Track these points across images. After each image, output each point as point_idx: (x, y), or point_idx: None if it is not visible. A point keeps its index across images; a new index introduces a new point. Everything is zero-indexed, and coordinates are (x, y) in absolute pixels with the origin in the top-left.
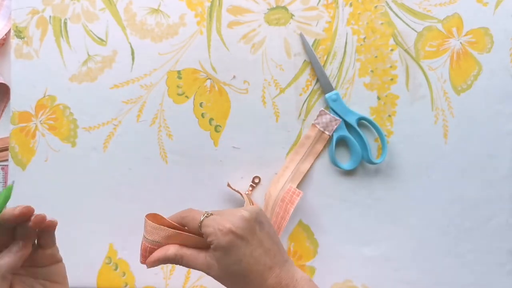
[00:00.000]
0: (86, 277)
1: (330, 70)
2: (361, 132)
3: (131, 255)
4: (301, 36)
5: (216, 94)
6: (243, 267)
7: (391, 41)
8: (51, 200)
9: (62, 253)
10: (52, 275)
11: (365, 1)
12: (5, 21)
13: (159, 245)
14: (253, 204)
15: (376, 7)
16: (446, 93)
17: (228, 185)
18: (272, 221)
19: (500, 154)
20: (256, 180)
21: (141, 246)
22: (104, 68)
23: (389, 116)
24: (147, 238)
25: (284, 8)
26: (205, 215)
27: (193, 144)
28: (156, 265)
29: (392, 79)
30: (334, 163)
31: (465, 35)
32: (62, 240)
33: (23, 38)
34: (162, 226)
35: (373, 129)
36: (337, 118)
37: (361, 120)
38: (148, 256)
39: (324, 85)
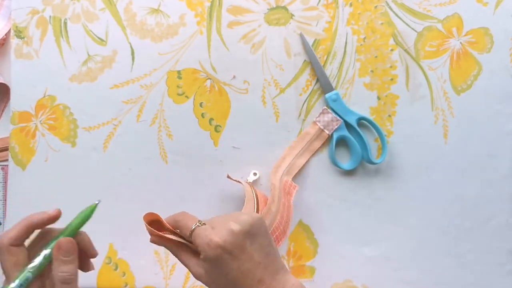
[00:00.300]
0: (86, 277)
1: (330, 70)
2: (361, 132)
3: (131, 255)
4: (301, 36)
5: (216, 94)
6: (230, 281)
7: (391, 41)
8: (51, 200)
9: None
10: None
11: (365, 1)
12: (5, 21)
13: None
14: (255, 192)
15: (376, 7)
16: (446, 93)
17: (228, 176)
18: (281, 208)
19: (500, 154)
20: (255, 176)
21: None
22: (104, 68)
23: (389, 116)
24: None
25: (284, 8)
26: (197, 224)
27: (193, 144)
28: (157, 244)
29: (392, 79)
30: (334, 163)
31: (465, 35)
32: None
33: (23, 38)
34: (154, 231)
35: (373, 129)
36: (339, 118)
37: (361, 120)
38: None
39: (324, 85)
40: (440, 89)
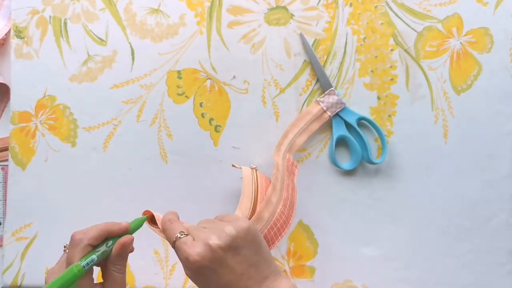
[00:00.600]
0: None
1: (330, 70)
2: (361, 132)
3: (131, 255)
4: (301, 36)
5: (216, 94)
6: None
7: (391, 41)
8: (51, 200)
9: (62, 253)
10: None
11: (365, 1)
12: (5, 21)
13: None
14: (256, 179)
15: (376, 7)
16: (446, 93)
17: (233, 165)
18: (284, 194)
19: (500, 154)
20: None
21: None
22: (104, 68)
23: (389, 116)
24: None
25: (284, 8)
26: (178, 235)
27: (193, 144)
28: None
29: (392, 79)
30: (334, 163)
31: (465, 35)
32: (62, 240)
33: (23, 38)
34: (152, 227)
35: (373, 129)
36: (343, 101)
37: (361, 120)
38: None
39: (324, 85)
40: (440, 89)
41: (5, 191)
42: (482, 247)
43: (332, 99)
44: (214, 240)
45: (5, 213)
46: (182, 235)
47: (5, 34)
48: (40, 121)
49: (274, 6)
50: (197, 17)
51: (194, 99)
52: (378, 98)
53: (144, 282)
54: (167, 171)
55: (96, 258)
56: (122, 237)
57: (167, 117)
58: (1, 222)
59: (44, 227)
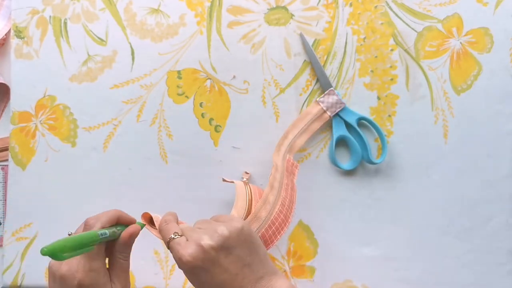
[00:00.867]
0: None
1: (330, 70)
2: (361, 132)
3: (131, 255)
4: (301, 36)
5: (216, 94)
6: None
7: (391, 41)
8: (51, 200)
9: None
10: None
11: (365, 1)
12: (5, 21)
13: None
14: (249, 189)
15: (376, 7)
16: (446, 93)
17: (223, 179)
18: (283, 194)
19: (500, 154)
20: (247, 175)
21: None
22: (104, 68)
23: (389, 116)
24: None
25: (284, 8)
26: (172, 236)
27: (193, 144)
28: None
29: (392, 79)
30: (334, 163)
31: (465, 35)
32: None
33: (23, 38)
34: (150, 229)
35: (373, 129)
36: (343, 101)
37: (361, 120)
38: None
39: (324, 85)
40: (440, 89)
41: (5, 191)
42: (482, 247)
43: (332, 99)
44: (206, 241)
45: (5, 213)
46: (176, 235)
47: (5, 34)
48: (40, 121)
49: (274, 6)
50: (197, 17)
51: (194, 99)
52: (378, 98)
53: (144, 282)
54: (167, 171)
55: (107, 234)
56: (131, 226)
57: (167, 117)
58: (1, 222)
59: (44, 227)
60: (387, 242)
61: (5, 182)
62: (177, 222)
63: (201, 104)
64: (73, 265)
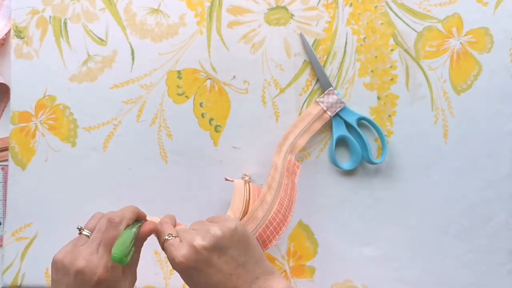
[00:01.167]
0: None
1: (330, 70)
2: (361, 132)
3: None
4: (301, 36)
5: (216, 94)
6: None
7: (391, 41)
8: (51, 200)
9: None
10: None
11: (365, 1)
12: (5, 21)
13: None
14: (248, 188)
15: (376, 7)
16: (446, 93)
17: (226, 179)
18: (282, 194)
19: (500, 154)
20: (246, 177)
21: None
22: (104, 68)
23: (389, 116)
24: None
25: (284, 8)
26: (167, 237)
27: (193, 144)
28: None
29: (392, 79)
30: (334, 163)
31: (465, 35)
32: (63, 240)
33: (23, 38)
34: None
35: (373, 129)
36: (343, 101)
37: (361, 120)
38: None
39: (324, 85)
40: (440, 89)
41: (5, 191)
42: (482, 247)
43: (331, 98)
44: (198, 241)
45: (5, 213)
46: (170, 237)
47: (5, 34)
48: (40, 121)
49: (274, 6)
50: (197, 17)
51: (194, 99)
52: (378, 98)
53: (144, 282)
54: (167, 171)
55: (136, 232)
56: (149, 223)
57: (167, 117)
58: (1, 222)
59: (44, 227)
60: (387, 242)
61: (5, 182)
62: (175, 225)
63: (201, 104)
64: (93, 261)
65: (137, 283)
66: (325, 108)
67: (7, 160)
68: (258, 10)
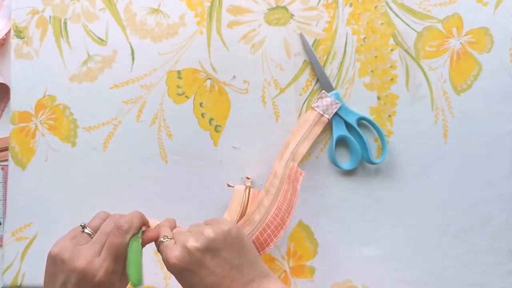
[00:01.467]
0: None
1: (330, 70)
2: (361, 132)
3: None
4: (301, 36)
5: (216, 94)
6: None
7: (391, 41)
8: (51, 200)
9: None
10: None
11: (365, 1)
12: (5, 21)
13: None
14: (247, 193)
15: (376, 7)
16: (446, 93)
17: (228, 185)
18: (281, 199)
19: (500, 154)
20: (248, 183)
21: None
22: (104, 68)
23: (389, 116)
24: None
25: (284, 8)
26: (162, 239)
27: (193, 144)
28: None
29: (392, 79)
30: (334, 163)
31: (465, 35)
32: None
33: (23, 38)
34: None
35: (373, 129)
36: (338, 101)
37: (361, 120)
38: None
39: (324, 85)
40: (440, 89)
41: (5, 191)
42: (482, 247)
43: (325, 101)
44: (191, 243)
45: (5, 213)
46: (165, 239)
47: (5, 34)
48: (40, 121)
49: (274, 6)
50: (197, 17)
51: (194, 99)
52: (378, 98)
53: (144, 282)
54: (167, 171)
55: (141, 243)
56: (152, 231)
57: (167, 117)
58: (1, 222)
59: (44, 227)
60: (387, 242)
61: (5, 182)
62: (174, 228)
63: (201, 104)
64: (94, 264)
65: None
66: (321, 112)
67: (7, 160)
68: (258, 10)
